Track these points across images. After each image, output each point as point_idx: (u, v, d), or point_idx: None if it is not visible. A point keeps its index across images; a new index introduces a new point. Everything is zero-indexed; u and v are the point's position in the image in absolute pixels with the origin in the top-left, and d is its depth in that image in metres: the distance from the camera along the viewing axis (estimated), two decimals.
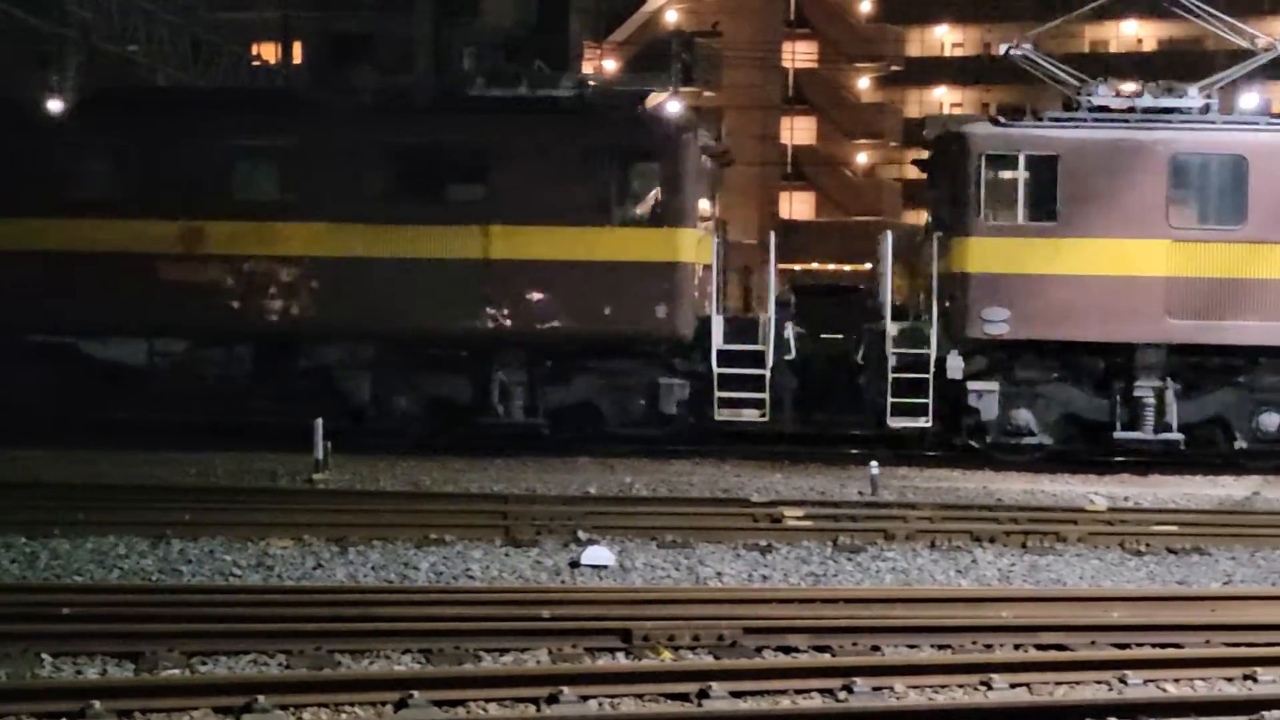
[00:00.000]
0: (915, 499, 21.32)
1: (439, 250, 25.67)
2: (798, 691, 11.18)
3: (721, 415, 25.54)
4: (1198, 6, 27.05)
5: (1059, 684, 11.39)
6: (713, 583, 15.51)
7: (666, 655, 12.25)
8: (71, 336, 26.00)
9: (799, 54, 77.77)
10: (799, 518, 18.75)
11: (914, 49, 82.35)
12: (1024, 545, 17.84)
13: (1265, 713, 10.48)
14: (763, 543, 17.48)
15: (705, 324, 25.66)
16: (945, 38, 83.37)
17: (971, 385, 25.28)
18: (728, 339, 25.67)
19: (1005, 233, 25.34)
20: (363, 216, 25.66)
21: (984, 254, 25.27)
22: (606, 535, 17.56)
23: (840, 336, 28.52)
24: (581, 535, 17.53)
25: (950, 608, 13.74)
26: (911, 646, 12.53)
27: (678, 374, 25.81)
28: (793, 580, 15.70)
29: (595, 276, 25.56)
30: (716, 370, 25.49)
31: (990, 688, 11.19)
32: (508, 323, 25.65)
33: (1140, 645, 12.60)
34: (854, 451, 26.20)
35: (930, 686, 11.25)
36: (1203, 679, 11.57)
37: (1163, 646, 12.54)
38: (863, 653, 12.28)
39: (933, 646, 12.54)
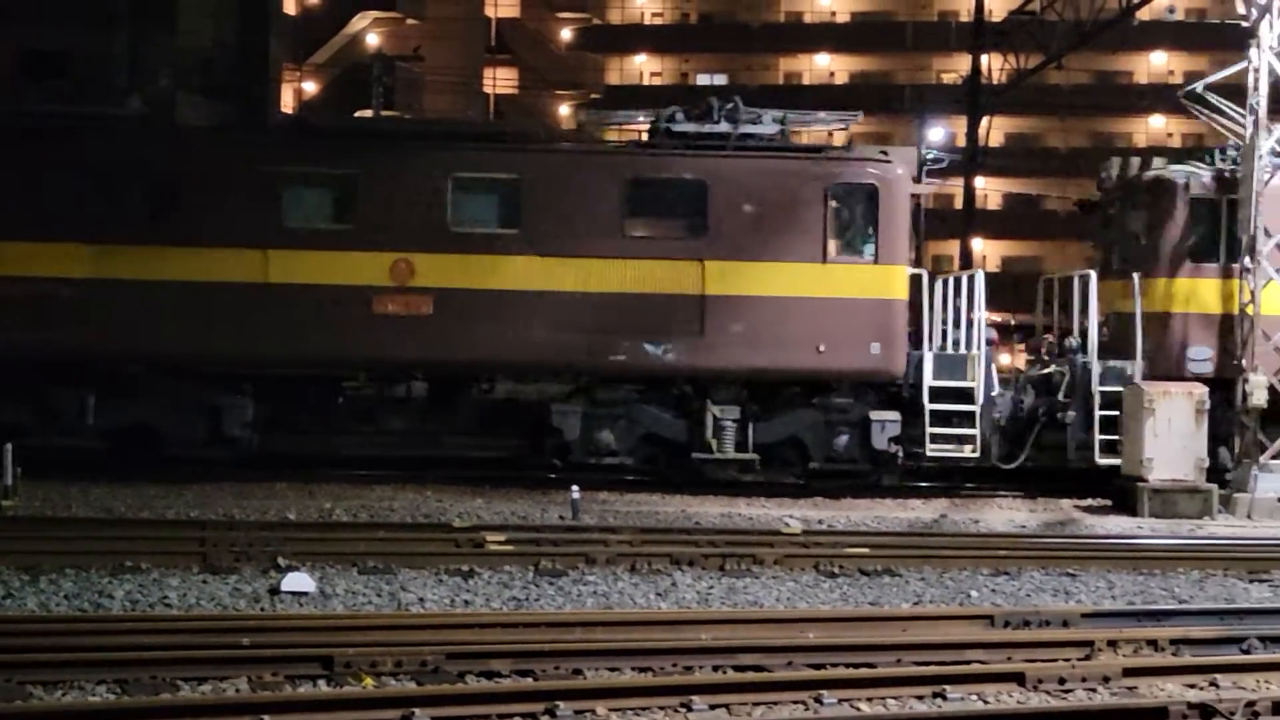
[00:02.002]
0: (616, 523, 21.48)
1: (655, 285, 25.63)
2: (500, 716, 11.20)
3: (933, 451, 25.78)
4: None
5: (757, 705, 11.58)
6: (415, 608, 15.44)
7: (369, 682, 12.18)
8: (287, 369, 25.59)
9: (500, 80, 78.07)
10: (501, 542, 18.77)
11: (614, 78, 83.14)
12: (722, 568, 18.10)
13: None
14: (465, 567, 17.46)
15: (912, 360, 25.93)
16: (644, 67, 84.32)
17: None
18: (936, 375, 25.95)
19: (1209, 274, 26.38)
20: (580, 251, 25.55)
21: (1190, 295, 26.28)
22: (307, 561, 17.39)
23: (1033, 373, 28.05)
24: (281, 561, 17.31)
25: (651, 630, 13.88)
26: (613, 669, 12.63)
27: (889, 409, 25.97)
28: (495, 605, 15.71)
29: (809, 313, 25.64)
30: (928, 407, 25.74)
31: (690, 709, 11.34)
32: (722, 358, 25.60)
33: (835, 665, 12.87)
34: (554, 476, 26.31)
35: (632, 709, 11.36)
36: (895, 697, 11.86)
37: (856, 666, 12.82)
38: (565, 676, 12.34)
39: (634, 669, 12.66)
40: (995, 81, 47.05)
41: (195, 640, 12.86)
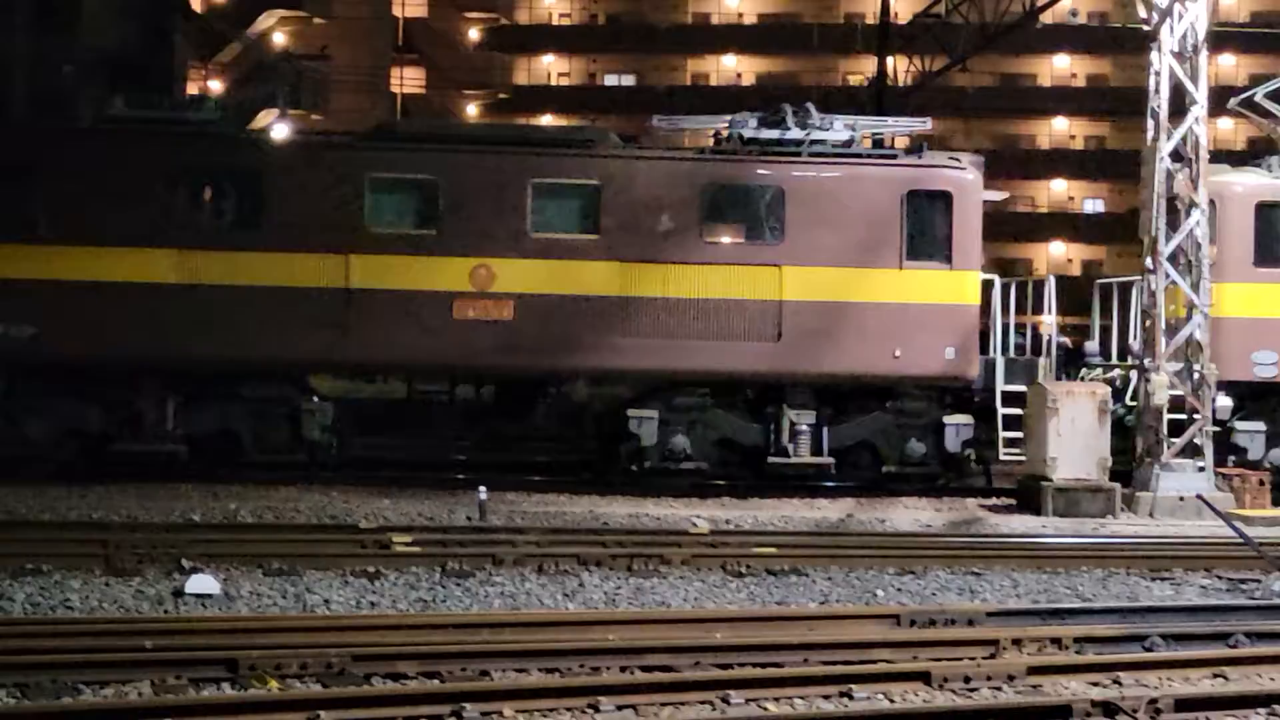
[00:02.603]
0: (523, 524, 21.44)
1: (733, 291, 25.85)
2: (406, 718, 11.15)
3: (1006, 455, 26.11)
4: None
5: (664, 705, 11.58)
6: (320, 610, 15.36)
7: (273, 685, 12.09)
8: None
9: (407, 80, 77.81)
10: (408, 544, 18.69)
11: (521, 78, 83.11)
12: (630, 568, 18.08)
13: None
14: (371, 569, 17.37)
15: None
16: (552, 67, 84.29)
17: (1239, 425, 26.69)
18: (1008, 379, 26.32)
19: (1275, 279, 26.66)
20: (659, 257, 25.79)
21: (1256, 300, 26.46)
22: (211, 563, 17.25)
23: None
24: (185, 563, 17.17)
25: (558, 631, 13.86)
26: (520, 671, 12.60)
27: (961, 413, 26.30)
28: (401, 606, 15.65)
29: (886, 318, 25.91)
30: (1001, 411, 26.07)
31: (598, 710, 11.33)
32: (799, 363, 25.76)
33: (742, 665, 12.89)
34: (461, 476, 26.24)
35: (538, 710, 11.34)
36: (801, 697, 11.88)
37: (764, 666, 12.85)
38: (472, 678, 12.30)
39: (541, 670, 12.63)
40: (901, 83, 47.33)
41: (97, 643, 12.72)
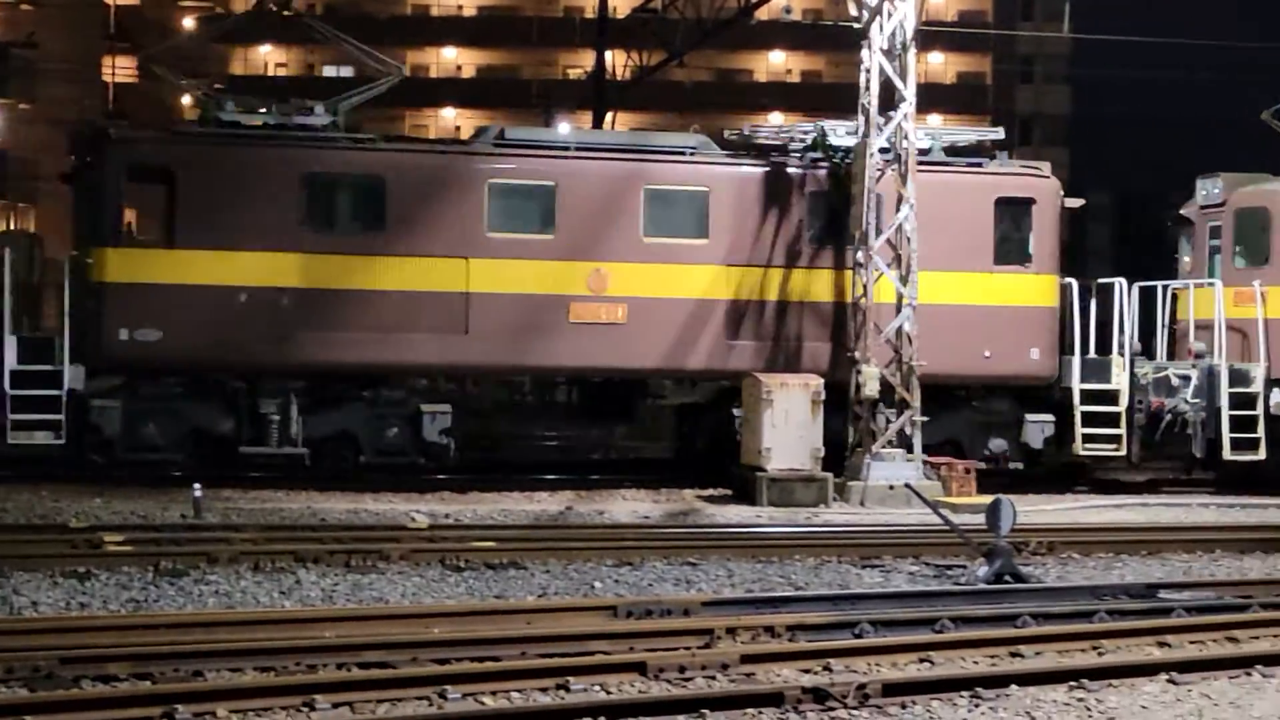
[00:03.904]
0: (240, 520, 21.20)
1: (833, 293, 26.92)
2: None
3: (1085, 450, 27.31)
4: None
5: (380, 702, 11.52)
6: (28, 612, 14.98)
7: None
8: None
9: (120, 69, 76.07)
10: (120, 543, 18.34)
11: (238, 68, 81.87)
12: (348, 564, 17.95)
13: None
14: (81, 569, 16.99)
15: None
16: (269, 58, 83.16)
17: None
18: (1084, 378, 27.40)
19: None
20: (764, 261, 26.70)
21: None
22: None
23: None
24: None
25: (274, 630, 13.70)
26: (235, 670, 12.43)
27: (1042, 411, 27.42)
28: (113, 607, 15.33)
29: (978, 320, 27.09)
30: (1080, 408, 27.13)
31: (313, 709, 11.23)
32: None
33: (460, 660, 12.88)
34: (177, 474, 25.82)
35: (253, 710, 11.20)
36: (519, 690, 11.91)
37: (481, 660, 12.86)
38: (184, 679, 12.10)
39: (256, 670, 12.48)
40: (620, 78, 47.63)
41: None
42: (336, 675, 12.27)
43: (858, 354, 26.10)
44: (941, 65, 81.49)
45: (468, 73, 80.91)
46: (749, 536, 20.86)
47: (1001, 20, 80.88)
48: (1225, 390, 27.67)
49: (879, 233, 26.26)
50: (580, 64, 70.29)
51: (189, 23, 78.88)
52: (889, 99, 26.41)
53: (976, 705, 11.72)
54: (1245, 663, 13.16)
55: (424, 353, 25.82)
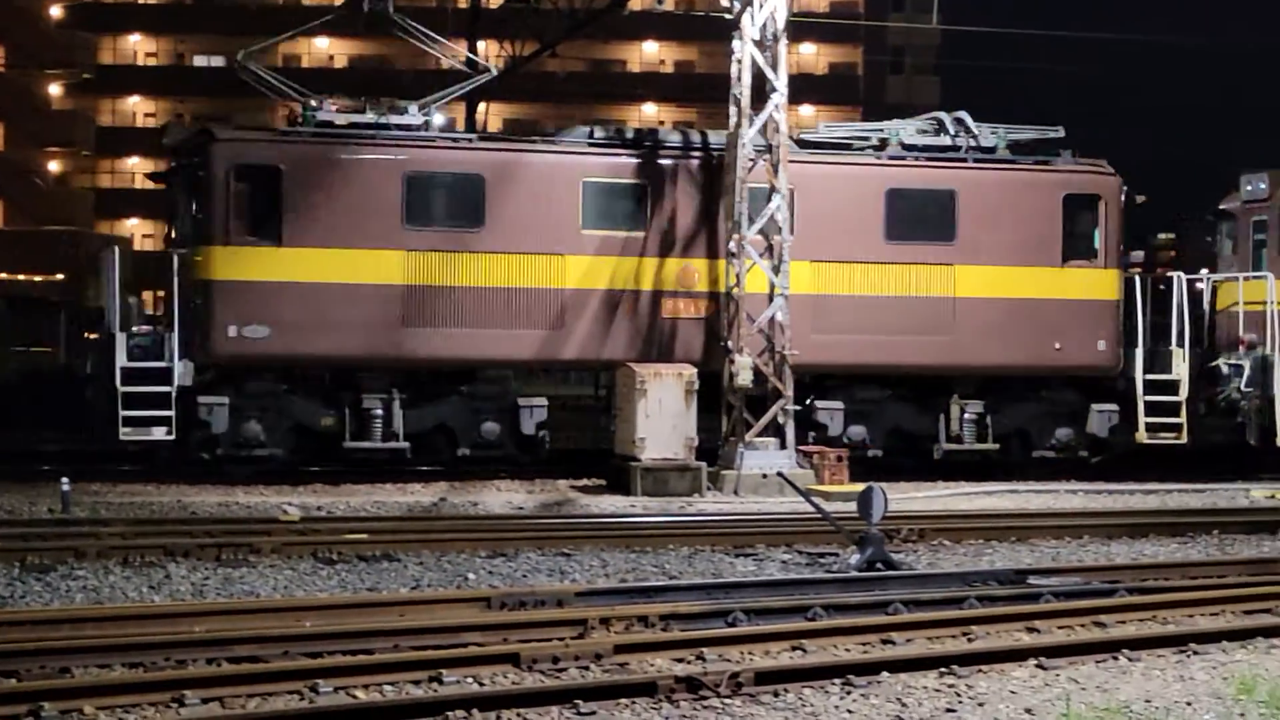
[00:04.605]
0: (108, 515, 20.95)
1: (912, 288, 27.73)
2: None
3: (1148, 439, 28.30)
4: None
5: (251, 696, 11.43)
6: None
7: None
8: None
9: None
10: None
11: (106, 57, 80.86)
12: (219, 558, 17.80)
13: (450, 713, 10.84)
14: None
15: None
16: (138, 47, 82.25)
17: None
18: (1147, 369, 28.43)
19: None
20: (846, 256, 27.54)
21: None
22: None
23: None
24: None
25: (143, 625, 13.54)
26: (103, 667, 12.28)
27: (1107, 401, 28.39)
28: None
29: (1049, 313, 28.06)
30: (1143, 399, 28.22)
31: (182, 704, 11.11)
32: (971, 356, 27.78)
33: (332, 653, 12.80)
34: (46, 468, 25.48)
35: (120, 706, 11.07)
36: (391, 683, 11.85)
37: (354, 653, 12.78)
38: (51, 676, 11.94)
39: (125, 666, 12.34)
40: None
41: None
42: (206, 670, 12.15)
43: (731, 343, 26.20)
44: (813, 56, 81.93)
45: (340, 63, 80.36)
46: (623, 526, 20.87)
47: (872, 12, 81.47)
48: (1279, 379, 28.60)
49: (752, 221, 26.36)
50: (453, 53, 69.97)
51: (56, 10, 77.82)
52: (761, 89, 26.52)
53: (849, 692, 11.79)
54: (1112, 647, 13.34)
55: (520, 348, 26.42)
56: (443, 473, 26.83)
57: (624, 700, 11.38)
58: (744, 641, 13.35)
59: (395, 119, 26.66)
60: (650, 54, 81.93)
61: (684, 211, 27.15)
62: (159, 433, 25.07)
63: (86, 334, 29.10)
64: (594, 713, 11.07)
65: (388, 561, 17.92)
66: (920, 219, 27.93)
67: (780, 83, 26.52)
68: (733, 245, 26.44)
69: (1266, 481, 27.82)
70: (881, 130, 28.68)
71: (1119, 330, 28.60)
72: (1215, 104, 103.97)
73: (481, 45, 48.03)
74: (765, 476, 25.36)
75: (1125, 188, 28.79)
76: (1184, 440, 28.66)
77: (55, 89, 77.60)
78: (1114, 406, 28.61)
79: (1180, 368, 28.68)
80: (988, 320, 27.95)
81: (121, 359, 25.06)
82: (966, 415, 28.01)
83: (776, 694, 11.71)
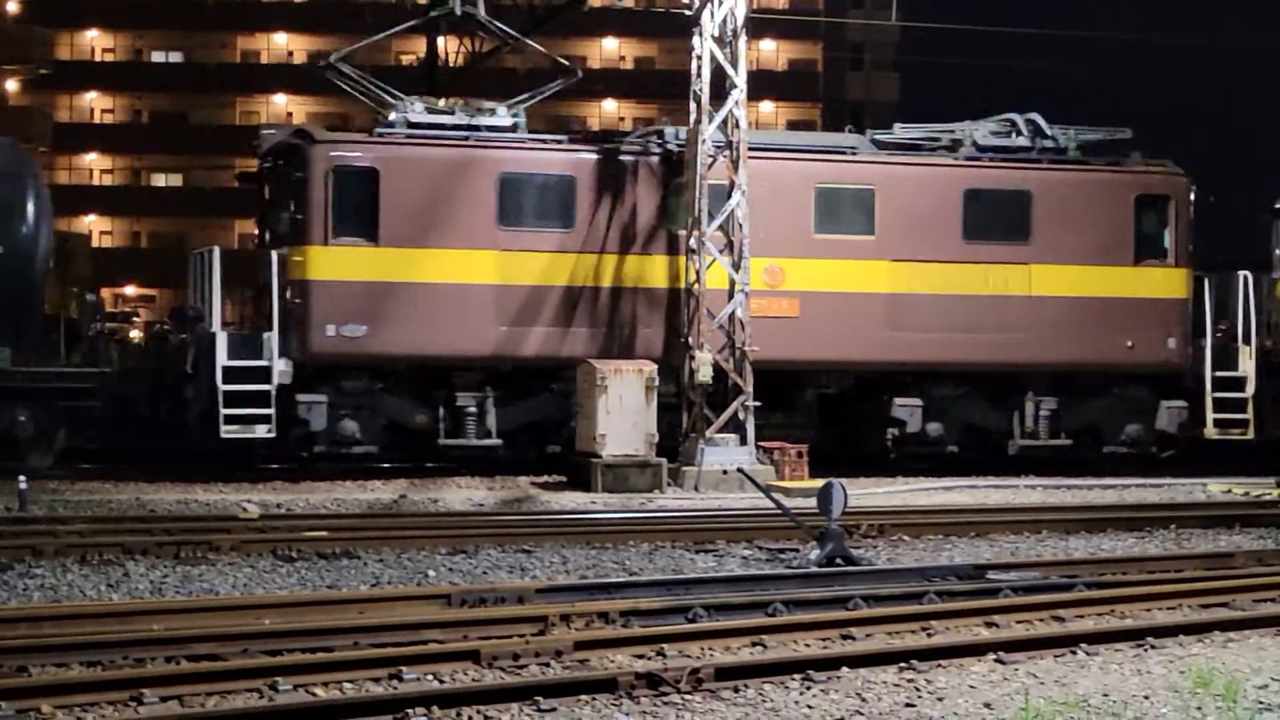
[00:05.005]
0: (66, 513, 20.86)
1: (988, 287, 28.33)
2: None
3: (1215, 434, 29.02)
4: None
5: (210, 694, 11.39)
6: None
7: None
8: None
9: None
10: None
11: (64, 52, 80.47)
12: (177, 556, 17.74)
13: (410, 710, 10.82)
14: None
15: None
16: (96, 42, 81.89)
17: None
18: (1215, 366, 29.11)
19: None
20: (925, 256, 28.13)
21: None
22: None
23: None
24: None
25: (101, 623, 13.48)
26: (61, 665, 12.23)
27: (1174, 397, 29.03)
28: None
29: (1122, 312, 28.67)
30: (1211, 395, 28.99)
31: (141, 703, 11.07)
32: (1046, 354, 28.34)
33: (291, 651, 12.76)
34: (8, 464, 25.39)
35: (78, 705, 11.02)
36: (351, 681, 11.82)
37: (313, 651, 12.75)
38: (9, 674, 11.88)
39: (83, 664, 12.29)
40: (453, 64, 47.39)
41: None
42: (165, 669, 12.10)
43: (691, 340, 26.22)
44: (773, 52, 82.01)
45: (299, 58, 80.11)
46: (584, 523, 20.88)
47: (831, 8, 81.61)
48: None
49: (711, 218, 26.39)
50: (412, 50, 69.82)
51: (12, 5, 77.38)
52: (721, 86, 26.53)
53: (808, 687, 11.80)
54: (1070, 641, 13.38)
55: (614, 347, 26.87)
56: (403, 470, 26.79)
57: (584, 697, 11.37)
58: (704, 637, 13.36)
59: (485, 120, 27.15)
60: (610, 50, 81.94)
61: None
62: (260, 431, 25.42)
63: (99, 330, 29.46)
64: (554, 709, 11.06)
65: (347, 559, 17.89)
66: (997, 219, 28.61)
67: (740, 79, 26.55)
68: (693, 242, 26.46)
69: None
70: (954, 131, 29.32)
71: (1188, 328, 29.28)
72: (1183, 104, 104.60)
73: (441, 41, 47.93)
74: (726, 472, 25.40)
75: (1194, 188, 29.49)
76: (1251, 436, 29.32)
77: (12, 85, 77.14)
78: (1182, 403, 29.23)
79: (1247, 364, 29.38)
80: (1062, 318, 28.60)
81: (223, 358, 25.45)
82: (1042, 411, 28.64)
83: (737, 689, 11.72)
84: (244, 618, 13.87)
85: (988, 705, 11.31)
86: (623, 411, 25.28)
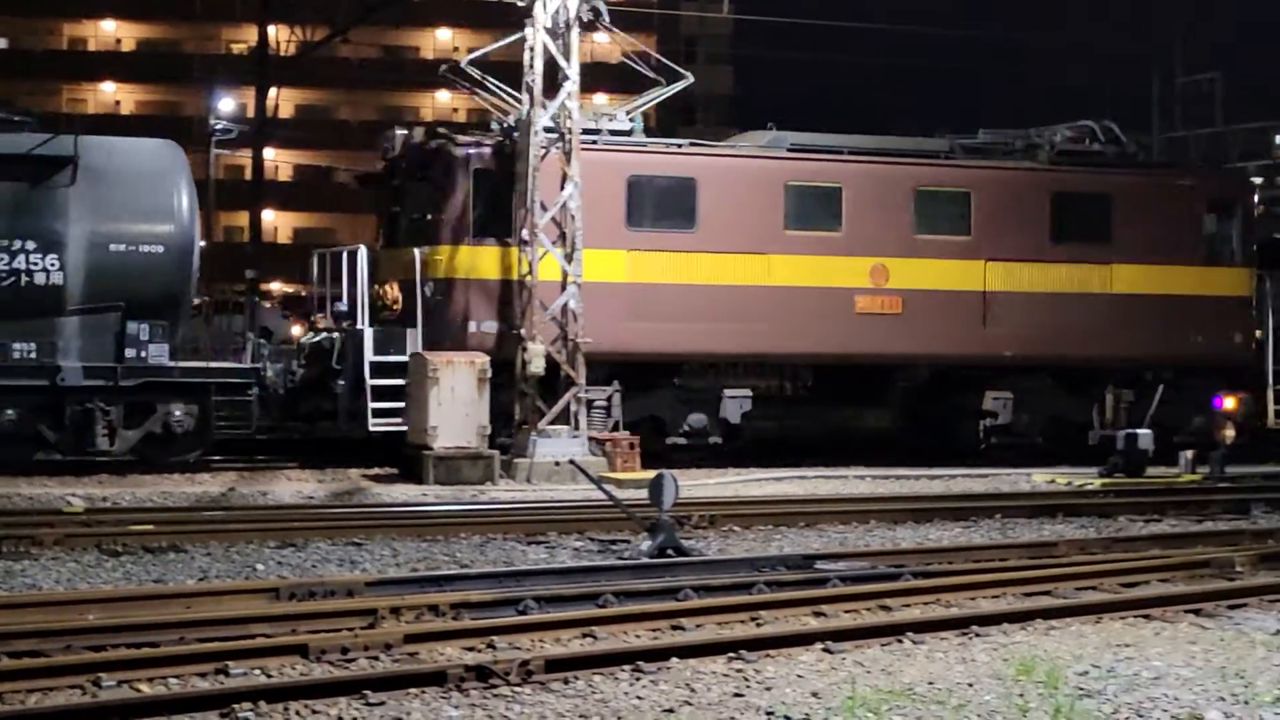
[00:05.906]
0: None
1: (1073, 285, 29.77)
2: None
3: (1276, 423, 30.84)
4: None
5: (31, 691, 11.21)
6: None
7: None
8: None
9: None
10: None
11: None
12: None
13: (237, 705, 10.73)
14: None
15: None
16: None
17: None
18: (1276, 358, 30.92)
19: None
20: (1014, 255, 29.54)
21: None
22: None
23: None
24: None
25: None
26: None
27: (1239, 389, 30.20)
28: None
29: (1193, 308, 30.21)
30: (1274, 387, 30.69)
31: None
32: (1128, 349, 29.88)
33: (116, 646, 12.59)
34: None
35: None
36: (177, 676, 11.68)
37: (139, 646, 12.58)
38: None
39: None
40: (284, 53, 47.04)
41: None
42: None
43: (524, 331, 26.20)
44: (606, 44, 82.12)
45: (128, 46, 78.97)
46: (415, 515, 20.80)
47: (665, 0, 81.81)
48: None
49: (545, 209, 26.39)
50: (244, 38, 69.12)
51: None
52: (554, 77, 26.54)
53: (638, 678, 11.85)
54: (896, 630, 13.55)
55: (729, 342, 27.98)
56: (233, 463, 26.52)
57: (413, 690, 11.33)
58: (534, 629, 13.37)
59: (607, 124, 27.94)
60: (444, 41, 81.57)
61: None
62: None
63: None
64: (383, 703, 11.01)
65: (174, 553, 17.67)
66: (1081, 221, 30.05)
67: (572, 71, 26.59)
68: (525, 233, 26.44)
69: None
70: (1028, 136, 30.73)
71: (1251, 323, 30.87)
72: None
73: (272, 30, 47.50)
74: (558, 464, 25.43)
75: (1256, 192, 31.09)
76: None
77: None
78: (1246, 395, 30.46)
79: None
80: (1140, 315, 29.99)
81: (370, 353, 25.92)
82: (1121, 404, 29.63)
83: (566, 681, 11.74)
84: (67, 613, 13.66)
85: (815, 694, 11.42)
86: (455, 403, 25.20)
